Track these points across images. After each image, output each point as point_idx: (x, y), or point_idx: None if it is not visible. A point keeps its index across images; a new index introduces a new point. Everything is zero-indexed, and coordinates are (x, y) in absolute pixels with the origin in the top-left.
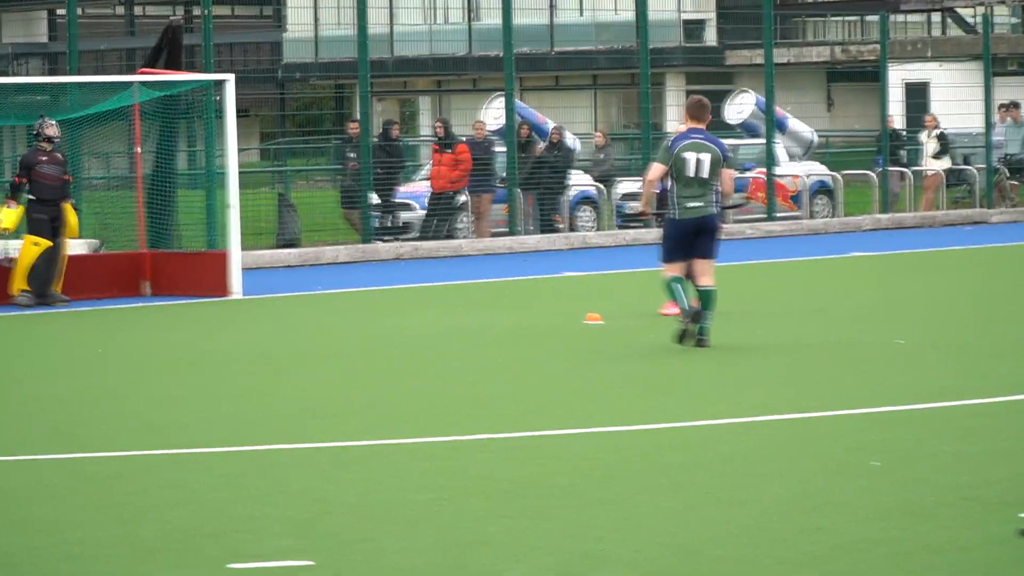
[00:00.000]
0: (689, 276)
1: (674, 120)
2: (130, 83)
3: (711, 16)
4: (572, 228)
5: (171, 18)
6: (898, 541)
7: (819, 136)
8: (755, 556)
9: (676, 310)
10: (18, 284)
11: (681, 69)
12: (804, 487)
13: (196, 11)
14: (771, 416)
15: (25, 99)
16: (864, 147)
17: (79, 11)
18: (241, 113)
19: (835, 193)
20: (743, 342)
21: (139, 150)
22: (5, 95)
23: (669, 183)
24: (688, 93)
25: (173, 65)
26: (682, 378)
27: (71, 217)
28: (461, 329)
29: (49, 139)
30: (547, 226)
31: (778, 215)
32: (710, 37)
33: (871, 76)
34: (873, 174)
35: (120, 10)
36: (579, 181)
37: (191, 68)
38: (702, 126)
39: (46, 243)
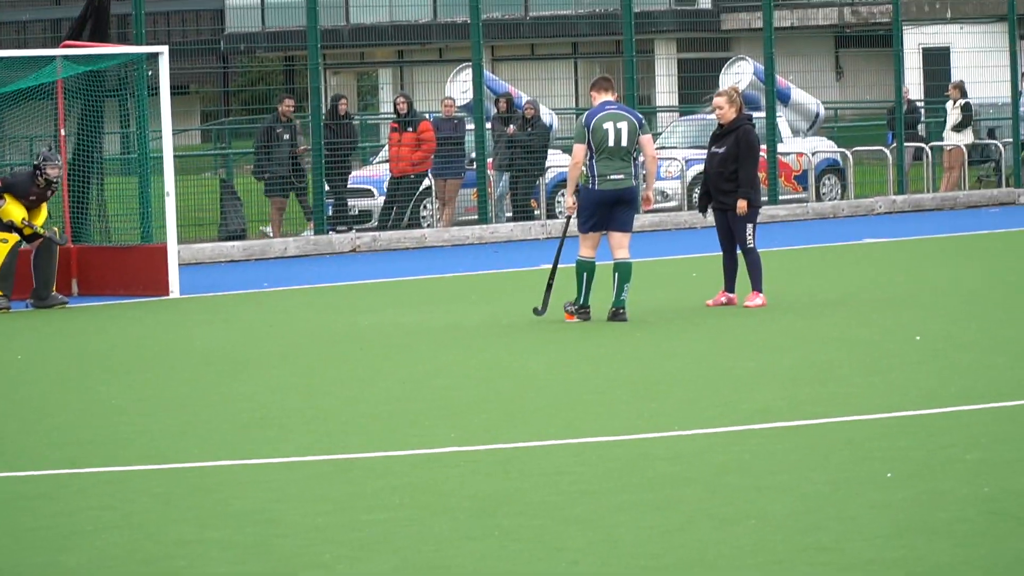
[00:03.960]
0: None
1: (664, 92)
2: (53, 57)
3: None
4: (550, 214)
5: None
6: (912, 561)
7: (826, 108)
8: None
9: (724, 300)
10: None
11: (672, 35)
12: (808, 502)
13: None
14: (773, 423)
15: None
16: (877, 120)
17: None
18: (179, 90)
19: (845, 172)
20: (742, 339)
21: (63, 132)
22: None
23: (588, 159)
24: (680, 62)
25: (100, 37)
26: (673, 381)
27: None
28: (425, 329)
29: (48, 182)
30: (522, 212)
31: (781, 198)
32: None
33: (884, 41)
34: (887, 150)
35: None
36: (557, 162)
37: (122, 40)
38: (612, 97)
39: (15, 238)
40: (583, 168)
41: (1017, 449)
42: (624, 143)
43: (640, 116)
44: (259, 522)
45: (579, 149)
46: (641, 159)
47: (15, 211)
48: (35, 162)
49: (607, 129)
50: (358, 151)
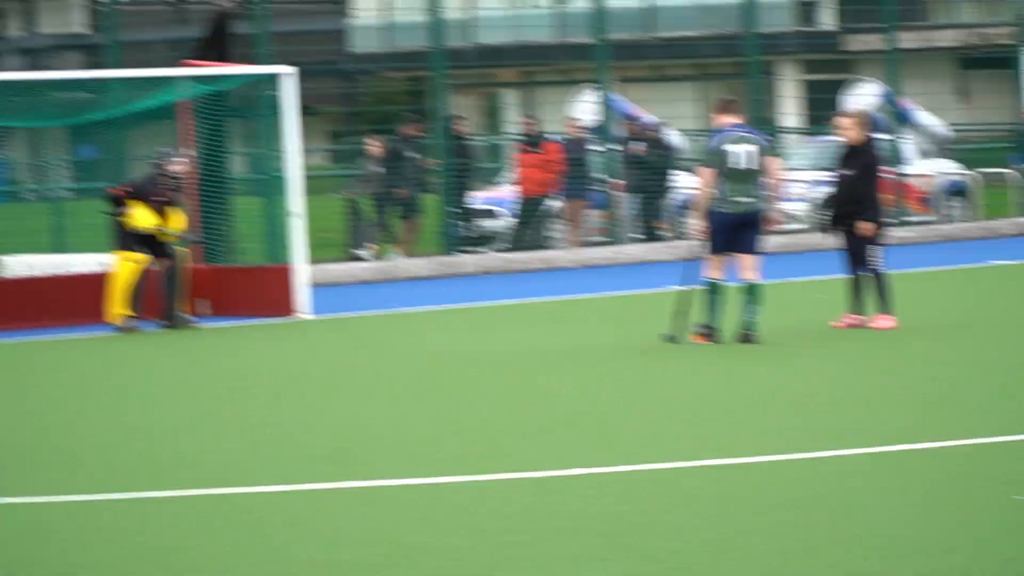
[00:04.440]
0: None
1: (789, 113)
2: (178, 77)
3: None
4: (677, 235)
5: (220, 4)
6: None
7: (952, 130)
8: None
9: (853, 321)
10: (117, 309)
11: (795, 56)
12: (939, 524)
13: None
14: (904, 445)
15: (64, 96)
16: (1002, 142)
17: None
18: (305, 110)
19: (972, 194)
20: (872, 361)
21: (189, 152)
22: (42, 92)
23: (718, 180)
24: (805, 83)
25: (224, 57)
26: (804, 402)
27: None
28: (556, 350)
29: (173, 178)
30: (649, 233)
31: (908, 220)
32: (827, 20)
33: (1009, 62)
34: (1018, 172)
35: None
36: (683, 182)
37: (246, 60)
38: (738, 119)
39: (145, 259)
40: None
41: None
42: (751, 165)
43: (767, 138)
44: (390, 544)
45: (706, 172)
46: (767, 180)
47: (146, 218)
48: (156, 160)
49: (734, 152)
50: (478, 171)
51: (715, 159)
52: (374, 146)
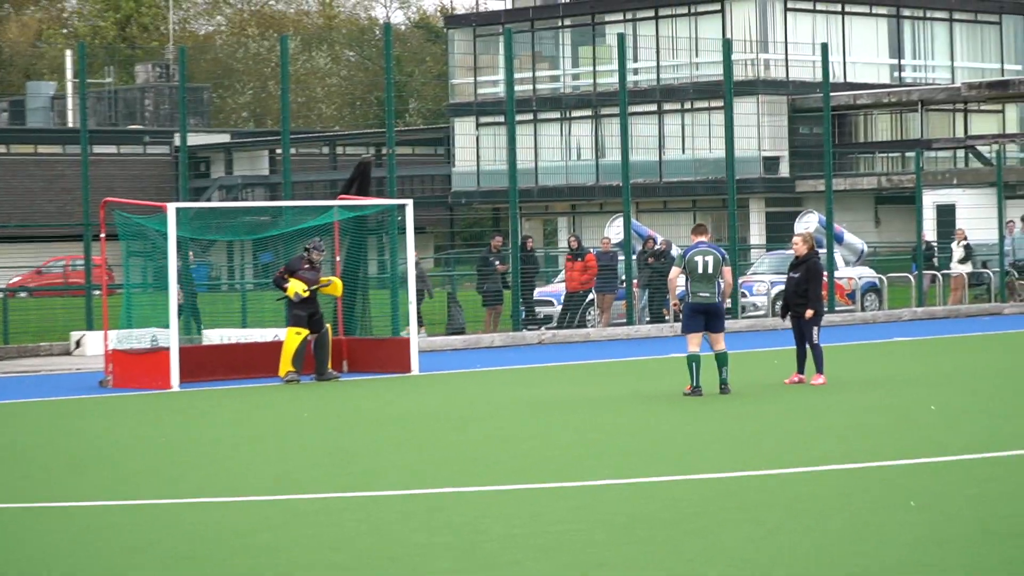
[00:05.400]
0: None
1: (756, 235)
2: (331, 207)
3: (784, 153)
4: (676, 318)
5: (363, 156)
6: (930, 565)
7: (869, 246)
8: (815, 575)
9: (797, 379)
10: (284, 367)
11: (761, 195)
12: (857, 520)
13: (384, 150)
14: (834, 465)
15: (251, 218)
16: (904, 255)
17: (293, 151)
18: (418, 230)
19: (881, 291)
20: (809, 406)
21: (339, 258)
22: (236, 215)
23: (685, 280)
24: (767, 213)
25: (364, 192)
26: (763, 434)
27: (337, 282)
28: (589, 397)
29: (311, 262)
30: (656, 318)
31: (837, 308)
32: (783, 170)
33: (909, 199)
34: (911, 276)
35: (325, 150)
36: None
37: (379, 195)
38: (705, 239)
39: (305, 332)
40: (680, 285)
41: (1004, 486)
42: (710, 271)
43: (724, 252)
44: (474, 531)
45: (675, 270)
46: (721, 281)
47: (297, 285)
48: (306, 245)
49: (698, 261)
50: (540, 274)
51: (685, 264)
52: (421, 259)
